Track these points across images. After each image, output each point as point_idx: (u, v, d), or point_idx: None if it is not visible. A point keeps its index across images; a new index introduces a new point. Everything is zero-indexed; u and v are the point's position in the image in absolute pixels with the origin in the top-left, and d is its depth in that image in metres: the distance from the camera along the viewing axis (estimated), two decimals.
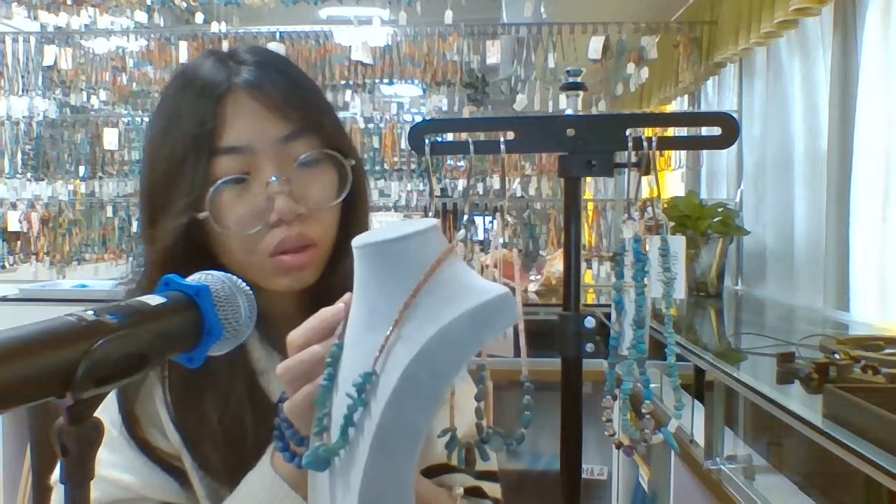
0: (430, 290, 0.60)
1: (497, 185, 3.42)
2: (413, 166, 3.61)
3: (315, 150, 0.83)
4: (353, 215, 0.88)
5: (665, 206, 0.73)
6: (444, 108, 3.65)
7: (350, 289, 0.67)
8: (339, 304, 0.66)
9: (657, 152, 0.72)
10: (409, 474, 0.59)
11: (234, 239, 0.82)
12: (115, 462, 0.81)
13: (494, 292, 0.59)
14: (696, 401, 1.85)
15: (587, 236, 3.50)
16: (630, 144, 0.73)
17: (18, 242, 3.64)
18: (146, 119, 3.77)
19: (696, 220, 2.79)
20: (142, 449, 0.82)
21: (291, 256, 0.81)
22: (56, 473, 0.78)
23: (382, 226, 0.66)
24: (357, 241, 0.63)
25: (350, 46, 3.49)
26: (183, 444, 0.82)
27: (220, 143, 0.80)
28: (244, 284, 0.62)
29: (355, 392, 0.58)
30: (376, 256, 0.61)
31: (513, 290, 0.67)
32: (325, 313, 0.67)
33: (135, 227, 3.65)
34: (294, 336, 0.67)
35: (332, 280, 0.85)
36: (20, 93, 3.61)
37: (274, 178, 0.80)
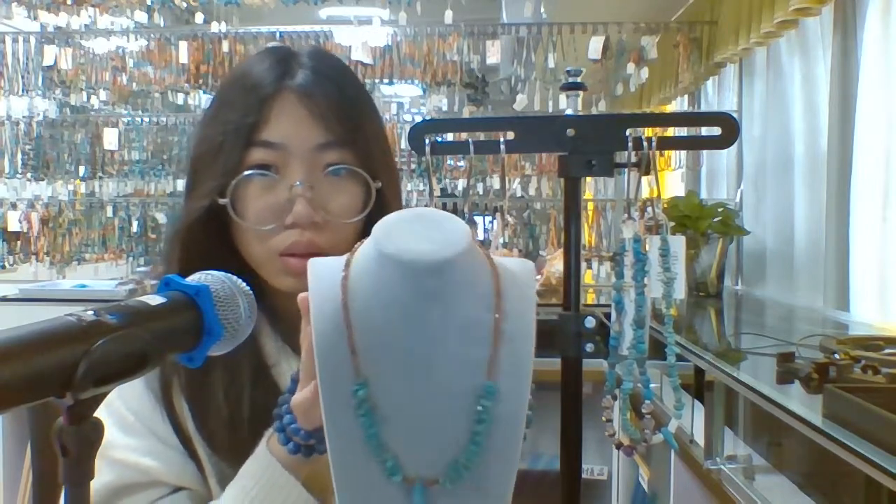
0: (503, 287, 0.61)
1: (497, 185, 3.42)
2: (413, 166, 3.61)
3: (343, 164, 0.84)
4: None
5: (665, 206, 0.73)
6: (444, 108, 3.65)
7: None
8: None
9: (657, 152, 0.72)
10: None
11: (249, 231, 0.84)
12: (131, 446, 0.82)
13: (531, 268, 0.63)
14: (696, 401, 1.84)
15: (587, 236, 3.50)
16: (630, 144, 0.73)
17: (18, 242, 3.64)
18: (146, 119, 3.78)
19: (696, 220, 2.79)
20: (173, 426, 0.83)
21: (298, 260, 0.82)
22: None
23: (394, 223, 0.61)
24: (402, 255, 0.57)
25: (350, 46, 3.48)
26: (196, 432, 0.83)
27: (258, 136, 0.82)
28: (244, 284, 0.62)
29: (480, 412, 0.58)
30: (445, 272, 0.58)
31: None
32: None
33: (135, 227, 3.66)
34: None
35: None
36: (20, 93, 3.61)
37: (298, 183, 0.81)
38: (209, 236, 0.84)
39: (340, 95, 0.86)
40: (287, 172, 0.82)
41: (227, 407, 0.82)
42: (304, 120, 0.83)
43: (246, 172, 0.82)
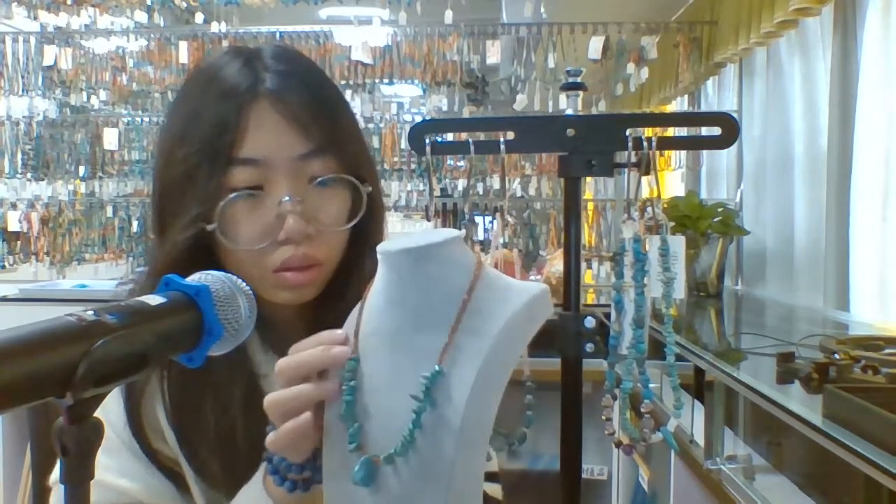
0: (480, 289, 0.64)
1: (497, 185, 3.42)
2: (413, 166, 3.61)
3: (332, 174, 0.81)
4: (363, 237, 0.85)
5: (665, 206, 0.73)
6: (444, 108, 3.65)
7: (350, 305, 0.69)
8: (339, 348, 0.66)
9: (657, 152, 0.72)
10: (483, 463, 0.64)
11: (239, 252, 0.80)
12: (111, 466, 0.80)
13: (538, 287, 0.66)
14: (696, 401, 1.84)
15: (587, 236, 3.50)
16: (630, 144, 0.73)
17: (18, 242, 3.64)
18: (146, 119, 3.77)
19: (696, 220, 2.79)
20: (144, 452, 0.81)
21: (294, 274, 0.80)
22: (55, 474, 0.77)
23: (401, 236, 0.66)
24: (390, 247, 0.64)
25: (350, 46, 3.48)
26: (180, 448, 0.81)
27: (238, 153, 0.77)
28: (244, 284, 0.62)
29: (422, 393, 0.60)
30: (419, 261, 0.63)
31: None
32: (320, 353, 0.66)
33: (135, 227, 3.66)
34: (284, 366, 0.66)
35: (334, 295, 0.84)
36: (20, 93, 3.61)
37: (287, 198, 0.77)
38: (195, 264, 0.75)
39: (314, 98, 0.81)
40: (272, 188, 0.78)
41: (214, 422, 0.80)
42: (282, 129, 0.78)
43: (233, 195, 0.77)
